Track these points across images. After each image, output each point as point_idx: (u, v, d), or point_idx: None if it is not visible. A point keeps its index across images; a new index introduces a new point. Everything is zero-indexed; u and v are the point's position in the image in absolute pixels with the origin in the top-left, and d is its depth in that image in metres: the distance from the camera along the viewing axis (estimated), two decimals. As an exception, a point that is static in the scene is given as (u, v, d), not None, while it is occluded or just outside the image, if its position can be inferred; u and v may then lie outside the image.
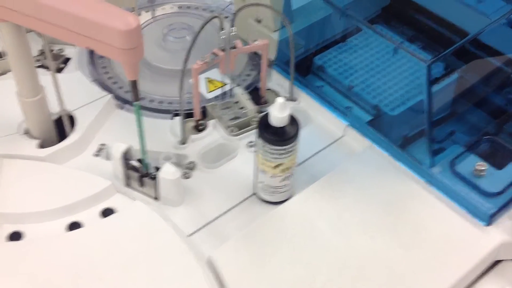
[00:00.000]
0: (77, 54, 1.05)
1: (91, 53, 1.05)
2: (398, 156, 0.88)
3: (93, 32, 0.69)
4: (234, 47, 0.91)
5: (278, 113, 0.77)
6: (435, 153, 0.86)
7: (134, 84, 0.74)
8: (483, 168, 0.84)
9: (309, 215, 0.82)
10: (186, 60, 0.86)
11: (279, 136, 0.78)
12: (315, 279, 0.75)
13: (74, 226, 0.81)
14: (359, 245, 0.79)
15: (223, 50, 0.90)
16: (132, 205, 0.82)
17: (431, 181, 0.85)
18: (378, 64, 1.01)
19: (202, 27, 0.86)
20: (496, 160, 0.86)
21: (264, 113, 0.79)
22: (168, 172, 0.81)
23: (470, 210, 0.82)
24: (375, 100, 0.95)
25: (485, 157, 0.86)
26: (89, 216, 0.82)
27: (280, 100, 0.76)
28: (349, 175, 0.87)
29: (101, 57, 1.05)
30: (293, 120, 0.79)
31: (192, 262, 0.75)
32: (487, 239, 0.80)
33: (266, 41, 0.93)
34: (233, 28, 0.89)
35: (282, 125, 0.78)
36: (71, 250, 0.77)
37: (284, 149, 0.78)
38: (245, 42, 0.93)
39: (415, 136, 0.90)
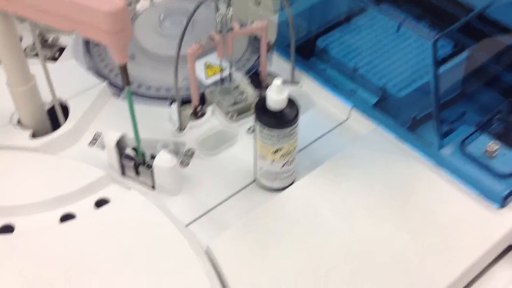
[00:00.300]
0: (72, 42, 1.03)
1: (87, 41, 1.03)
2: (406, 138, 0.85)
3: (79, 15, 0.67)
4: (231, 30, 0.87)
5: (275, 95, 0.74)
6: (444, 134, 0.83)
7: (123, 68, 0.71)
8: (495, 149, 0.80)
9: (312, 201, 0.79)
10: (180, 44, 0.83)
11: (278, 119, 0.75)
12: (319, 267, 0.72)
13: (67, 217, 0.78)
14: (365, 230, 0.76)
15: (219, 33, 0.87)
16: (127, 195, 0.79)
17: (441, 163, 0.82)
18: (384, 44, 0.97)
19: (196, 9, 0.82)
20: (509, 139, 0.83)
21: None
22: (163, 160, 0.78)
23: (482, 192, 0.79)
24: (381, 82, 0.92)
25: (497, 137, 0.83)
26: (83, 207, 0.79)
27: (277, 81, 0.73)
28: (353, 159, 0.84)
29: (97, 45, 1.02)
30: (291, 103, 0.76)
31: (190, 253, 0.72)
32: (501, 222, 0.77)
33: (264, 23, 0.90)
34: (229, 9, 0.86)
35: (280, 108, 0.75)
36: (64, 243, 0.74)
37: (283, 133, 0.75)
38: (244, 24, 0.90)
39: (424, 118, 0.86)
